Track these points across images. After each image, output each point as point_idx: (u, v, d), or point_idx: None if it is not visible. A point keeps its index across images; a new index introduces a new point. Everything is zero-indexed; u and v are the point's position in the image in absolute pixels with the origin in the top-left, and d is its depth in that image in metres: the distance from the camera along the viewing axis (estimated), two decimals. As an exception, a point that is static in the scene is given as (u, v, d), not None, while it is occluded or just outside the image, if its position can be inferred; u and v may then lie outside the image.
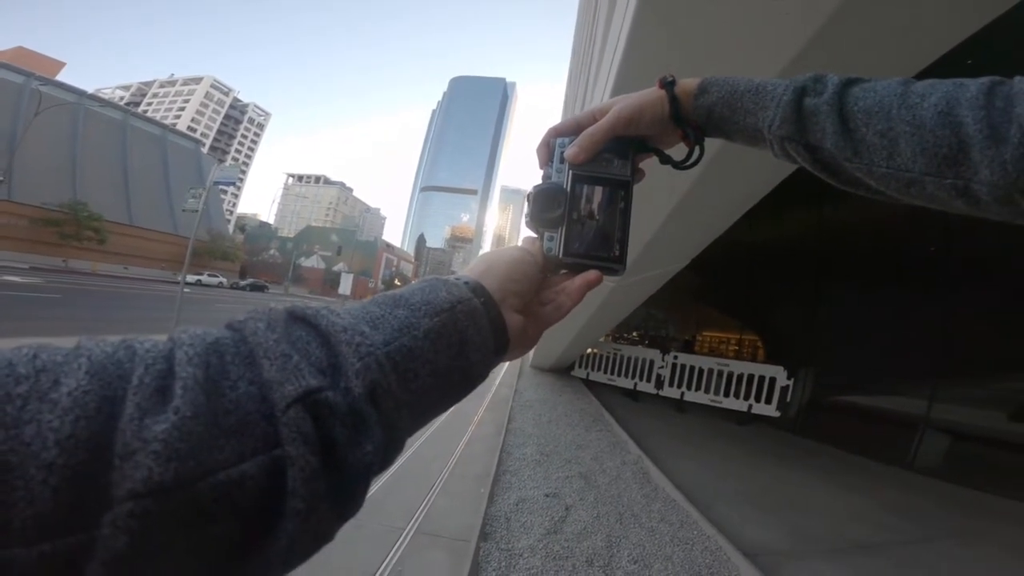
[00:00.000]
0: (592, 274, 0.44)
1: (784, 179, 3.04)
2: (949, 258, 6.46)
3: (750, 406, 7.83)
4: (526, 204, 0.49)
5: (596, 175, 0.47)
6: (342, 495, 0.25)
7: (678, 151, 0.50)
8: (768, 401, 7.68)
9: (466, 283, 0.36)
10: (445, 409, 0.33)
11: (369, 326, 0.29)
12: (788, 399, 7.72)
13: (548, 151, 0.49)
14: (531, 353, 13.77)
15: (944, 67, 1.86)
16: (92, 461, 0.18)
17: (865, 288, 7.73)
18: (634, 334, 16.73)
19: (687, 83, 0.48)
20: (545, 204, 0.47)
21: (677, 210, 3.30)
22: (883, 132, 0.38)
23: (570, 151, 0.47)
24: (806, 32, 1.72)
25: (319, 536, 0.24)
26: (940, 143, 0.35)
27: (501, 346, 0.36)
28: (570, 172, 0.47)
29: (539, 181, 0.49)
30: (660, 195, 3.07)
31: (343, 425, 0.24)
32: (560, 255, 0.45)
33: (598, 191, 0.47)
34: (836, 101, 0.40)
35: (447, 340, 0.31)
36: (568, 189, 0.47)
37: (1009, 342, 5.58)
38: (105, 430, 0.19)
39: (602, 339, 9.99)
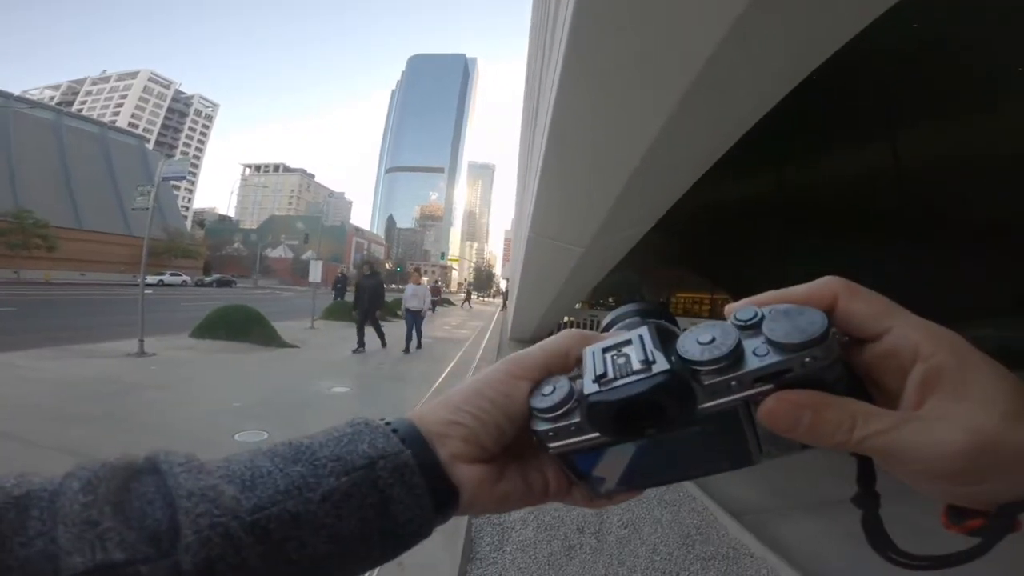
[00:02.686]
0: (567, 492, 0.33)
1: (747, 140, 3.04)
2: (905, 212, 6.74)
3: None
4: (612, 340, 0.29)
5: (747, 430, 0.26)
6: None
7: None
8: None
9: (395, 430, 0.30)
10: (362, 571, 0.28)
11: (239, 487, 0.25)
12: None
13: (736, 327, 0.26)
14: (510, 326, 13.83)
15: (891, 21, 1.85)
16: None
17: (829, 241, 7.98)
18: (610, 299, 16.93)
19: None
20: (642, 407, 0.25)
21: (638, 171, 3.28)
22: None
23: (783, 416, 0.24)
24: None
25: None
26: None
27: (445, 504, 0.30)
28: (735, 407, 0.25)
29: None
30: (620, 155, 3.03)
31: None
32: (550, 444, 0.30)
33: (709, 440, 0.27)
34: None
35: (360, 501, 0.27)
36: (695, 419, 0.26)
37: (965, 290, 5.87)
38: None
39: (578, 306, 10.07)
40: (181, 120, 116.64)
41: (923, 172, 6.94)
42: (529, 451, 0.33)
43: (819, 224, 8.24)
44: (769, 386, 0.24)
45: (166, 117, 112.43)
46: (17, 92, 49.89)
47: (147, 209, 8.27)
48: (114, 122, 74.22)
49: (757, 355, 0.24)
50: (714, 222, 10.10)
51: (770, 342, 0.24)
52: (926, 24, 5.08)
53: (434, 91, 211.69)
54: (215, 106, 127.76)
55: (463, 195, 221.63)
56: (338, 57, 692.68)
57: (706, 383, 0.25)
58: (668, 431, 0.27)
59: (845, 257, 7.55)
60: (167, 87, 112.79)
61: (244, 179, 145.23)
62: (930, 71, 6.14)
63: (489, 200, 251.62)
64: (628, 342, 0.28)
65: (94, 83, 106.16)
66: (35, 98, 61.11)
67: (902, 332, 0.25)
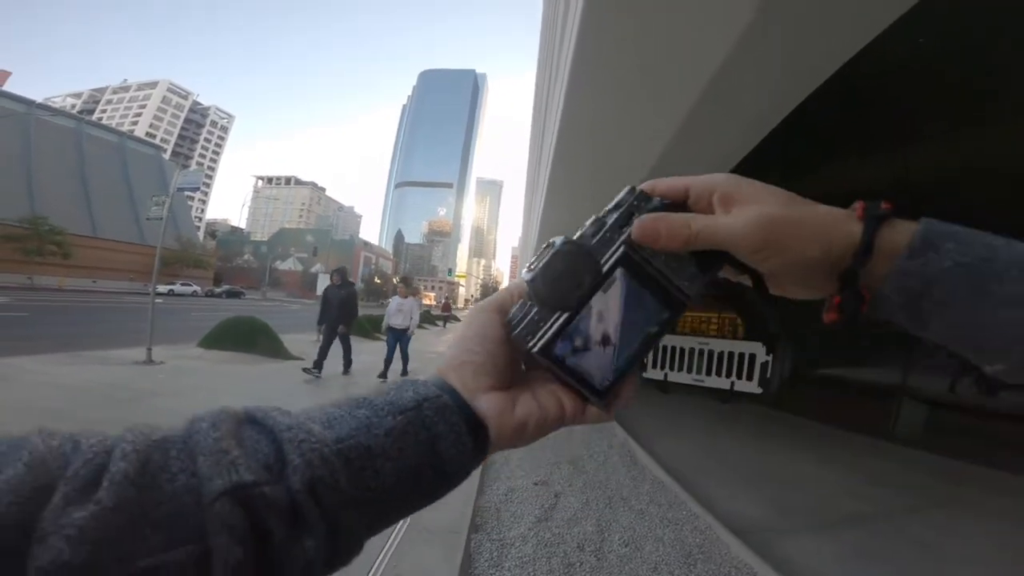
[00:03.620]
0: (582, 413, 0.36)
1: (755, 152, 3.06)
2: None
3: (732, 384, 7.98)
4: (535, 257, 0.35)
5: (654, 274, 0.34)
6: None
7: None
8: (749, 378, 7.83)
9: (432, 382, 0.35)
10: (418, 507, 0.33)
11: (322, 425, 0.30)
12: (768, 375, 7.86)
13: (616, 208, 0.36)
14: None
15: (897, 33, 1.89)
16: (16, 541, 0.20)
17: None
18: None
19: (902, 228, 0.30)
20: (562, 272, 0.33)
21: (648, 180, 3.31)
22: None
23: (646, 229, 0.34)
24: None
25: None
26: None
27: (481, 440, 0.34)
28: (623, 250, 0.34)
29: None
30: (626, 170, 3.07)
31: (279, 519, 0.25)
32: (533, 347, 0.34)
33: (639, 295, 0.34)
34: None
35: (414, 437, 0.31)
36: (605, 270, 0.34)
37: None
38: (31, 516, 0.21)
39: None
40: (197, 131, 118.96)
41: (936, 185, 6.82)
42: (535, 381, 0.37)
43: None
44: (630, 227, 0.34)
45: (183, 127, 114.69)
46: (40, 99, 51.08)
47: (161, 219, 8.41)
48: (132, 131, 75.83)
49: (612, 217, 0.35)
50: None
51: (616, 206, 0.36)
52: (931, 39, 5.10)
53: (444, 106, 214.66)
54: (231, 117, 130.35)
55: (471, 211, 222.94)
56: (350, 71, 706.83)
57: (593, 242, 0.34)
58: (596, 285, 0.34)
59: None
60: (185, 98, 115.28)
61: (256, 191, 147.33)
62: (936, 86, 6.11)
63: (497, 217, 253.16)
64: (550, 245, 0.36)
65: (115, 92, 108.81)
66: (57, 106, 62.75)
67: (697, 183, 0.35)
